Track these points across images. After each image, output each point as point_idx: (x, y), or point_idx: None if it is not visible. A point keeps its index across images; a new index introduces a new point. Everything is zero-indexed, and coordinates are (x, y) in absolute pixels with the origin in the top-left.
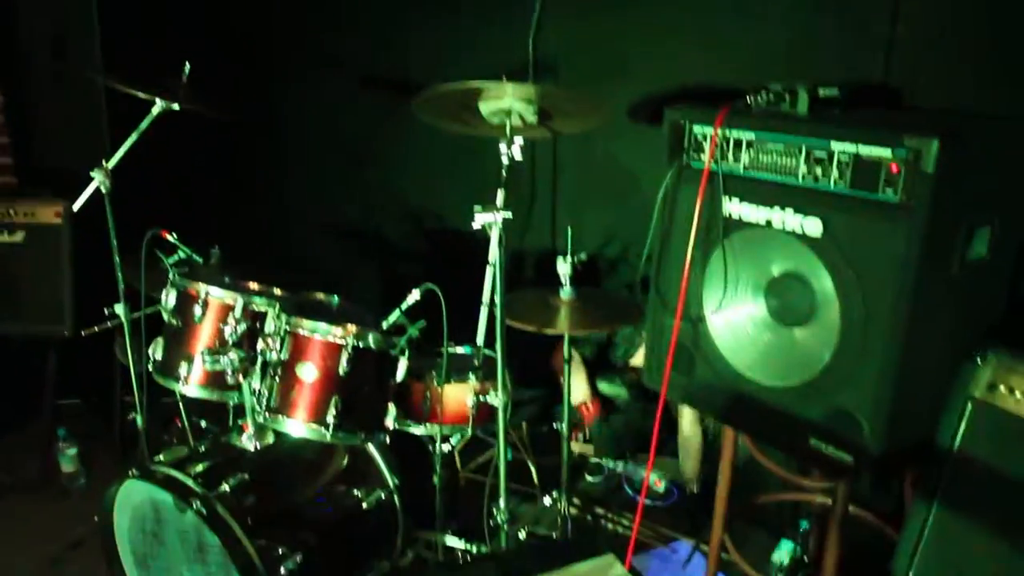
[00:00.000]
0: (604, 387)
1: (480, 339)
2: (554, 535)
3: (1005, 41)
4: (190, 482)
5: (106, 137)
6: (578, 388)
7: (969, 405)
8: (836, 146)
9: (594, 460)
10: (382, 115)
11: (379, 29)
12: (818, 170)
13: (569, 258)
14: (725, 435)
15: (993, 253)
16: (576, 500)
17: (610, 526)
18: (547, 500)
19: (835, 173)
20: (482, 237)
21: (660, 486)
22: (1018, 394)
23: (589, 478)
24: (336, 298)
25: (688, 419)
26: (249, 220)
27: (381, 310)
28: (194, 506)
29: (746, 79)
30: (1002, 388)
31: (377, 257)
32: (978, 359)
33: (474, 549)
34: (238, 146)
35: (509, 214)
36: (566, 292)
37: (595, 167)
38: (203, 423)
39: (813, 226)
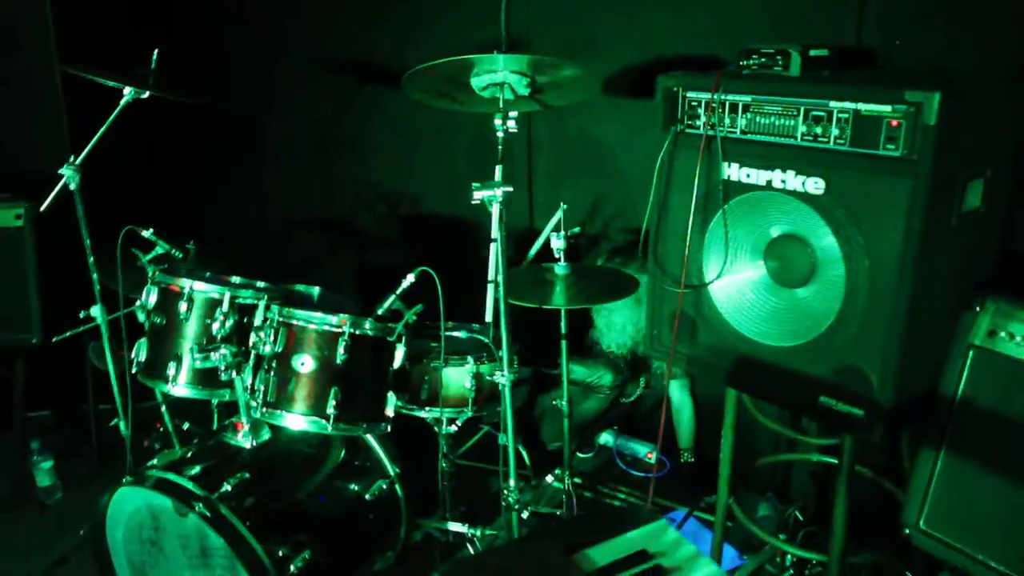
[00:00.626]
0: (582, 372)
1: (489, 317)
2: (558, 512)
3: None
4: (189, 484)
5: (66, 133)
6: None
7: (971, 352)
8: (835, 105)
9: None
10: (352, 101)
11: (346, 13)
12: (817, 129)
13: (563, 233)
14: (727, 399)
15: (986, 205)
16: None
17: (607, 500)
18: (549, 478)
19: (835, 131)
20: (457, 219)
21: (651, 457)
22: (1018, 338)
23: (579, 454)
24: (317, 289)
25: (677, 389)
26: (218, 212)
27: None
28: (196, 509)
29: (719, 47)
30: (1002, 334)
31: (351, 245)
32: (977, 307)
33: (479, 533)
34: (202, 138)
35: (510, 188)
36: (561, 268)
37: (570, 143)
38: (185, 425)
39: (814, 185)
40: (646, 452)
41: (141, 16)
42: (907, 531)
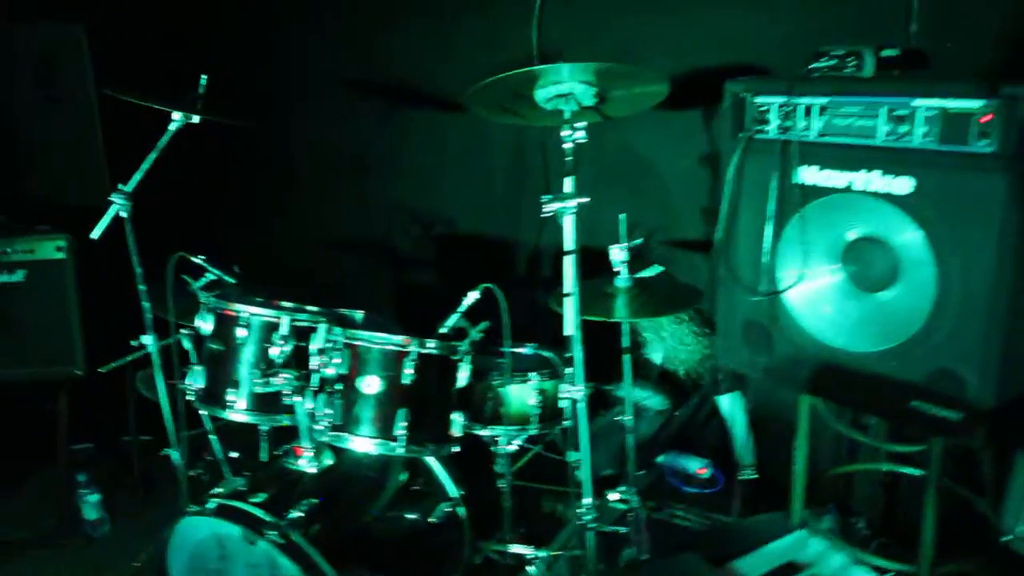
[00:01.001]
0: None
1: (569, 330)
2: (621, 531)
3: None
4: (258, 512)
5: (104, 163)
6: None
7: None
8: (919, 102)
9: None
10: (384, 122)
11: (378, 35)
12: (901, 128)
13: (624, 244)
14: (802, 408)
15: None
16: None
17: (673, 520)
18: (612, 495)
19: (921, 129)
20: (493, 237)
21: (704, 473)
22: None
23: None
24: (361, 313)
25: (728, 403)
26: (252, 236)
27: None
28: (267, 536)
29: (759, 56)
30: None
31: (386, 266)
32: None
33: (544, 554)
34: (236, 163)
35: (587, 199)
36: (623, 280)
37: (609, 156)
38: (234, 454)
39: (902, 185)
40: (697, 468)
41: (175, 45)
42: (1007, 538)
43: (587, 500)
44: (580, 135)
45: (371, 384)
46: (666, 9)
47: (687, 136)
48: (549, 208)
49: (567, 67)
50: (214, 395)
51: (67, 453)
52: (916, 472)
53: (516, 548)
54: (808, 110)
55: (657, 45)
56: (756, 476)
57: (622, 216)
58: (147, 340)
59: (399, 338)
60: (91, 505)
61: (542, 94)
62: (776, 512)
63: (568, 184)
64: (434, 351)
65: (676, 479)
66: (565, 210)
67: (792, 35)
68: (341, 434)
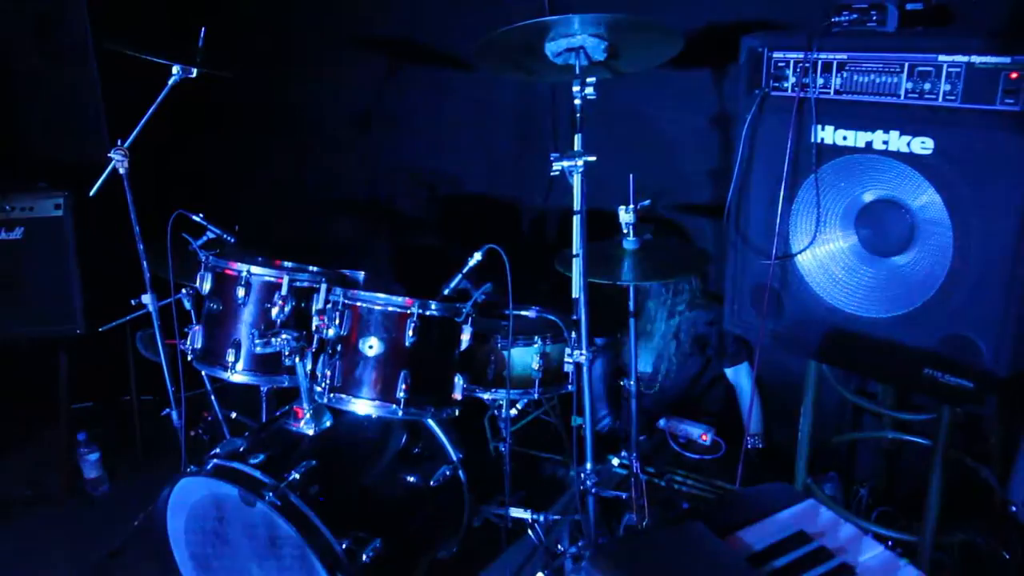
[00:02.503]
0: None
1: (576, 292)
2: (624, 496)
3: None
4: (256, 473)
5: (103, 119)
6: None
7: None
8: (944, 58)
9: None
10: (390, 79)
11: None
12: (925, 85)
13: (632, 206)
14: (808, 375)
15: None
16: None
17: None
18: (615, 461)
19: (944, 87)
20: (498, 198)
21: (706, 439)
22: None
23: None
24: (362, 273)
25: (734, 372)
26: (254, 195)
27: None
28: (265, 497)
29: (782, 10)
30: None
31: (389, 227)
32: None
33: (542, 519)
34: (237, 119)
35: (593, 157)
36: (629, 242)
37: (615, 116)
38: (233, 414)
39: (921, 145)
40: (700, 433)
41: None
42: (1014, 508)
43: (588, 465)
44: (589, 91)
45: (372, 346)
46: None
47: (697, 96)
48: (557, 166)
49: (578, 18)
50: (214, 355)
51: (68, 412)
52: (921, 441)
53: (516, 512)
54: (827, 66)
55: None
56: (763, 446)
57: (631, 176)
58: (146, 299)
59: (401, 299)
60: (91, 463)
61: (552, 47)
62: (779, 481)
63: (577, 141)
64: (436, 313)
65: (678, 445)
66: (574, 168)
67: None
68: (341, 396)
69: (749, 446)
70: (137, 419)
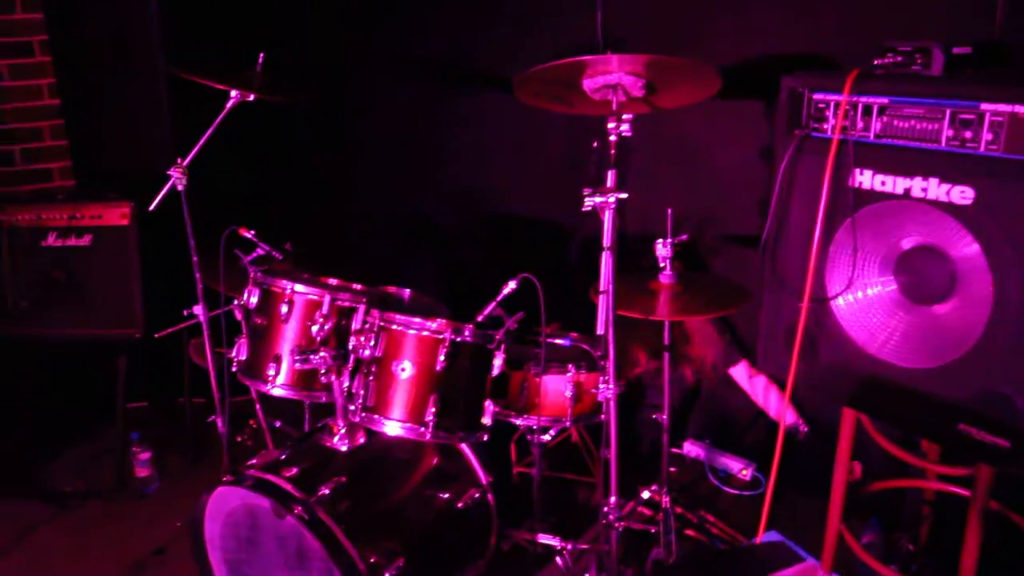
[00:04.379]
0: None
1: (602, 328)
2: (652, 530)
3: None
4: (288, 486)
5: (170, 135)
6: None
7: None
8: (987, 107)
9: (673, 450)
10: (440, 101)
11: (435, 14)
12: (966, 134)
13: (669, 240)
14: (844, 422)
15: None
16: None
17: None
18: (645, 494)
19: (987, 136)
20: (549, 221)
21: (746, 474)
22: None
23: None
24: (408, 291)
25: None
26: (307, 213)
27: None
28: (294, 511)
29: (833, 45)
30: None
31: (439, 246)
32: None
33: (570, 547)
34: (294, 140)
35: (625, 195)
36: (666, 276)
37: (664, 145)
38: (277, 424)
39: (961, 194)
40: (740, 468)
41: (240, 22)
42: None
43: (612, 499)
44: (625, 128)
45: (404, 368)
46: None
47: (747, 126)
48: (589, 202)
49: (616, 58)
50: (256, 368)
51: (124, 411)
52: (966, 494)
53: (544, 538)
54: (868, 109)
55: (723, 31)
56: (807, 428)
57: (668, 211)
58: (198, 310)
59: (434, 324)
60: (143, 463)
61: (590, 84)
62: (785, 538)
63: (610, 178)
64: (468, 339)
65: (716, 478)
66: (605, 205)
67: (868, 21)
68: (372, 416)
69: (795, 434)
70: (189, 422)
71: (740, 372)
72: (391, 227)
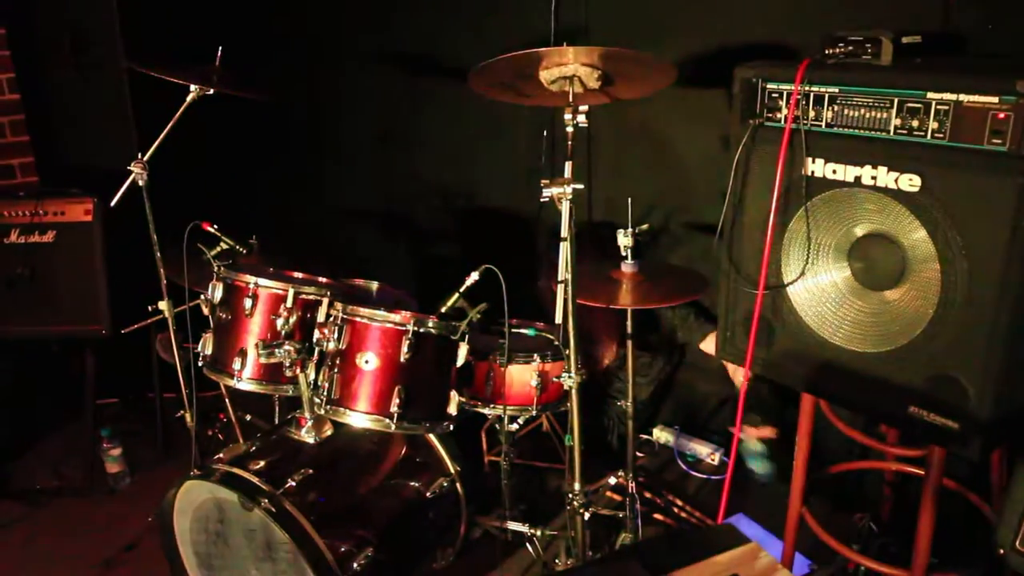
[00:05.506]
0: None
1: (559, 317)
2: (620, 515)
3: None
4: (255, 480)
5: (132, 130)
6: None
7: None
8: (933, 96)
9: (643, 436)
10: (408, 95)
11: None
12: (913, 122)
13: (630, 230)
14: (803, 406)
15: None
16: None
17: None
18: (612, 480)
19: (932, 124)
20: (516, 213)
21: (715, 459)
22: None
23: (639, 454)
24: (375, 283)
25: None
26: (276, 207)
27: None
28: (261, 504)
29: (789, 34)
30: None
31: (409, 239)
32: None
33: (539, 533)
34: (260, 134)
35: (581, 185)
36: (628, 265)
37: (630, 135)
38: (248, 417)
39: (908, 182)
40: (708, 453)
41: (204, 16)
42: (1001, 551)
43: (577, 485)
44: (581, 119)
45: (368, 361)
46: None
47: (711, 115)
48: (547, 193)
49: (571, 50)
50: (221, 363)
51: (93, 408)
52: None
53: (514, 525)
54: (819, 99)
55: (686, 21)
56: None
57: (629, 200)
58: (163, 305)
59: (397, 316)
60: (113, 458)
61: (546, 75)
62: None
63: (567, 169)
64: (433, 331)
65: (685, 463)
66: (562, 196)
67: (828, 11)
68: (337, 408)
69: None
70: (159, 417)
71: (708, 344)
72: (364, 221)
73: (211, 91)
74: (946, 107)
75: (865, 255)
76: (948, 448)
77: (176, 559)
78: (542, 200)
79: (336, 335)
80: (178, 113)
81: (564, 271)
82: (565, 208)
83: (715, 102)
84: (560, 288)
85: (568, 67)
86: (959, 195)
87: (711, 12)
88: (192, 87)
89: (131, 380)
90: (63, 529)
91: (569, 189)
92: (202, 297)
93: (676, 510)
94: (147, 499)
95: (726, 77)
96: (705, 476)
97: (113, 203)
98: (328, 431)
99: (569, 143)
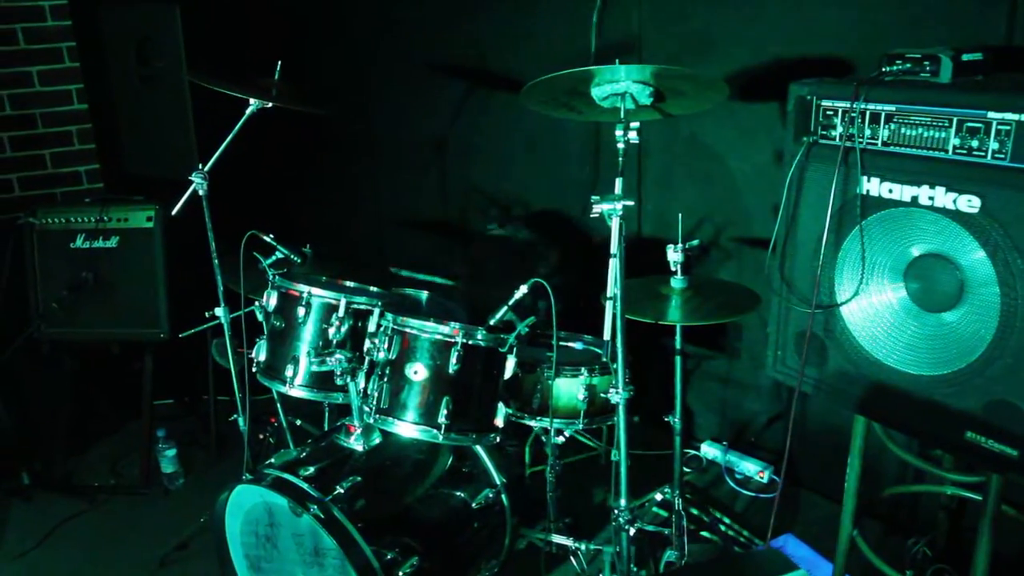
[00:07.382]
0: None
1: (607, 334)
2: (666, 531)
3: None
4: (305, 486)
5: (193, 140)
6: None
7: None
8: (994, 116)
9: (691, 452)
10: (463, 106)
11: (457, 20)
12: (973, 142)
13: (680, 245)
14: (856, 427)
15: None
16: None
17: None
18: (658, 496)
19: (993, 145)
20: (568, 223)
21: (763, 477)
22: None
23: (686, 469)
24: (425, 293)
25: None
26: (332, 216)
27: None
28: (311, 510)
29: (847, 49)
30: None
31: (462, 248)
32: None
33: (583, 547)
34: (318, 145)
35: (631, 202)
36: (678, 281)
37: (680, 148)
38: (298, 422)
39: (968, 203)
40: (757, 471)
41: (263, 30)
42: None
43: (623, 501)
44: (632, 136)
45: (417, 371)
46: None
47: (763, 130)
48: (597, 208)
49: (623, 68)
50: (275, 369)
51: (150, 409)
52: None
53: (558, 538)
54: (875, 117)
55: (738, 34)
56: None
57: (679, 216)
58: (219, 311)
59: (447, 328)
60: (168, 459)
61: (598, 92)
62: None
63: (617, 185)
64: (481, 343)
65: (734, 480)
66: (612, 211)
67: (885, 25)
68: (386, 418)
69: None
70: (213, 419)
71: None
72: (419, 229)
73: (269, 105)
74: (1008, 127)
75: (922, 276)
76: (1006, 475)
77: (226, 560)
78: (592, 216)
79: (386, 345)
80: (238, 125)
81: (613, 287)
82: (615, 225)
83: (767, 115)
84: (608, 304)
85: (620, 84)
86: (1020, 217)
87: (764, 25)
88: (252, 101)
89: (187, 383)
90: (117, 526)
91: (619, 205)
92: (257, 304)
93: (723, 528)
94: (200, 500)
95: (779, 91)
96: (753, 494)
97: (175, 212)
98: (376, 439)
99: (620, 159)
